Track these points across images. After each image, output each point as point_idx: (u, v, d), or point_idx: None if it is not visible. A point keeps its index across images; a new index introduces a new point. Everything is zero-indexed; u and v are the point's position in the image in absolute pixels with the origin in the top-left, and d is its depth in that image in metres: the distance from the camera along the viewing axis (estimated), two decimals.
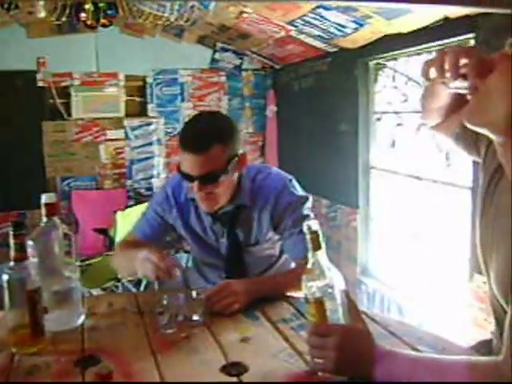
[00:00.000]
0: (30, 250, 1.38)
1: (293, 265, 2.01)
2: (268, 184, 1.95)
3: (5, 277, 1.35)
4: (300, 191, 1.97)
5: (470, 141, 1.36)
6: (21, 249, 1.35)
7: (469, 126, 1.10)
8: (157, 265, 1.67)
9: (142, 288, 4.54)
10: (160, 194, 2.12)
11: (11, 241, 1.34)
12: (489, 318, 2.91)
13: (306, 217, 1.89)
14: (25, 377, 1.26)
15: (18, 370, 1.29)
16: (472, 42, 3.04)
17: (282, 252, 2.08)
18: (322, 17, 3.74)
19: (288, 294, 1.77)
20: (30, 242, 1.40)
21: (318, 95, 5.04)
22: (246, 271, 2.04)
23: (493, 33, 2.79)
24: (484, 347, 1.44)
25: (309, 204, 1.96)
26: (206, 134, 1.77)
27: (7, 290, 1.35)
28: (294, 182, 1.99)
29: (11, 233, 1.33)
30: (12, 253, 1.35)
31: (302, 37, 4.43)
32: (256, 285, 1.77)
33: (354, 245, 4.54)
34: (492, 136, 1.11)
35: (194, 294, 1.58)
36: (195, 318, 1.53)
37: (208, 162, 1.75)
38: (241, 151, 1.86)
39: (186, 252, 4.37)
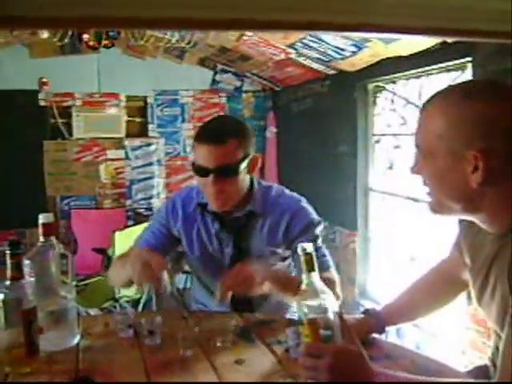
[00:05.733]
0: (26, 270, 1.39)
1: None
2: (283, 202, 1.98)
3: (0, 296, 1.35)
4: (314, 214, 2.00)
5: None
6: (17, 268, 1.36)
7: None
8: (151, 269, 1.62)
9: (139, 309, 4.52)
10: (166, 205, 2.10)
11: (8, 260, 1.35)
12: (487, 341, 2.90)
13: (318, 238, 1.94)
14: None
15: None
16: (469, 66, 3.07)
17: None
18: (321, 40, 3.78)
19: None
20: (26, 262, 1.41)
21: (318, 117, 5.06)
22: None
23: (489, 58, 2.82)
24: (482, 372, 1.44)
25: (321, 227, 1.99)
26: (223, 128, 1.85)
27: (3, 309, 1.36)
28: (308, 205, 2.02)
29: (8, 252, 1.34)
30: (8, 272, 1.36)
31: (301, 59, 4.47)
32: (273, 271, 1.80)
33: (353, 267, 4.53)
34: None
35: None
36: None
37: (224, 154, 1.79)
38: (254, 154, 1.91)
39: (185, 273, 4.36)
